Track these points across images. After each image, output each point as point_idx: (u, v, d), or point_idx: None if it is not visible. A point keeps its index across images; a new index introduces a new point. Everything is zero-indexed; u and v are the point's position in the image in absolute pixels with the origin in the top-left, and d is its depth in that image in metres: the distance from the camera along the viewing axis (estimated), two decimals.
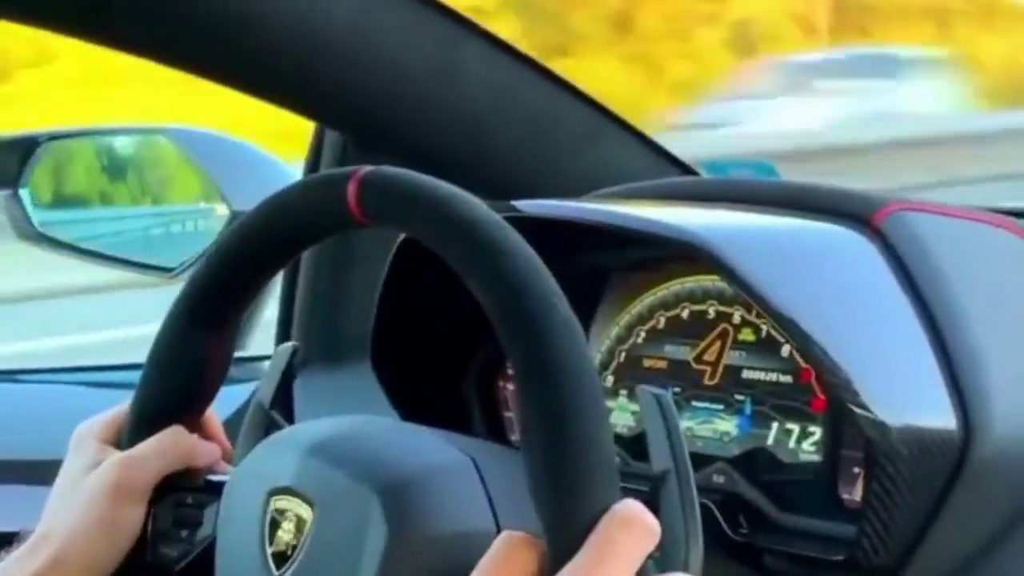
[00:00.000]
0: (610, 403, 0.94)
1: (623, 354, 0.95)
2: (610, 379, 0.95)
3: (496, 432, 0.99)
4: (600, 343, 0.96)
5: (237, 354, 1.28)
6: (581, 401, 0.63)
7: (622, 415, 0.93)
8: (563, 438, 0.62)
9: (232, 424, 0.87)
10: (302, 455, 0.73)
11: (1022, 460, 0.78)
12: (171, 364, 0.80)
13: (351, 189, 0.71)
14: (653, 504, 0.65)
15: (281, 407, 0.86)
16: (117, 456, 0.80)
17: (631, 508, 0.61)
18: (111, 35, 0.99)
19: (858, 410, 0.74)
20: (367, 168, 0.71)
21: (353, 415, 0.79)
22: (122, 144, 1.43)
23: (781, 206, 0.87)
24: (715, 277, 0.88)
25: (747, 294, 0.76)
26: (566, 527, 0.61)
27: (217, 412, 0.87)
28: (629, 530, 0.61)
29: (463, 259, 0.67)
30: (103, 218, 1.50)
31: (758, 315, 0.87)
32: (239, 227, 0.77)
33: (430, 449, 0.73)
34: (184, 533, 0.81)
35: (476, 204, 0.68)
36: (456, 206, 0.68)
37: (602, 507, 0.61)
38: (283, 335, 1.25)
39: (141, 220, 1.48)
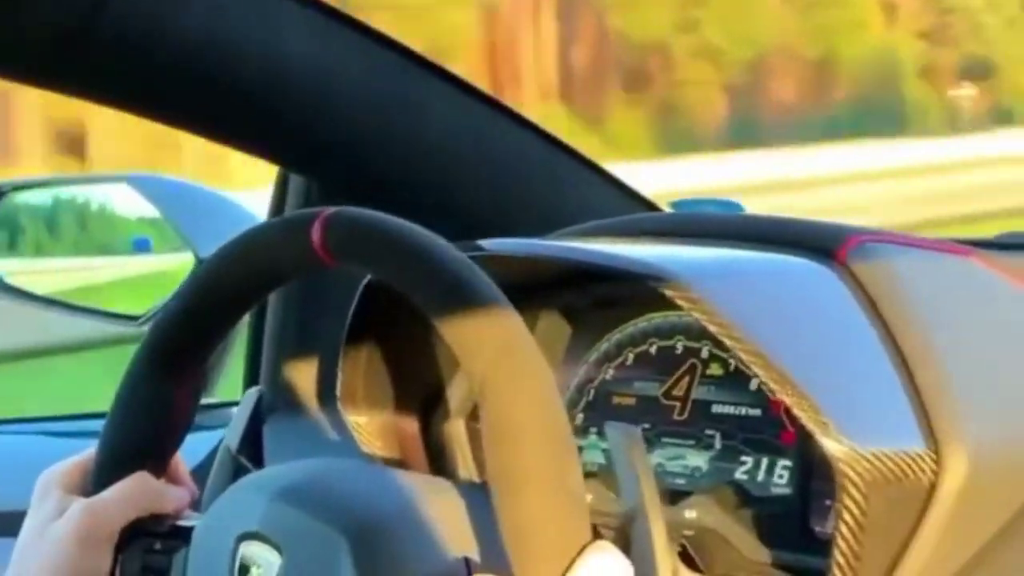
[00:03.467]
0: (580, 441, 0.94)
1: (592, 392, 0.95)
2: (580, 417, 0.95)
3: (467, 472, 0.98)
4: (569, 381, 0.96)
5: (205, 401, 1.28)
6: (550, 443, 0.63)
7: (592, 453, 0.93)
8: (533, 481, 0.62)
9: (201, 471, 0.87)
10: (270, 499, 0.73)
11: (992, 486, 0.78)
12: (136, 411, 0.80)
13: (315, 230, 0.71)
14: (624, 540, 0.65)
15: (250, 452, 0.86)
16: (83, 503, 0.79)
17: (603, 549, 0.62)
18: (73, 84, 0.98)
19: (827, 441, 0.74)
20: (331, 209, 0.71)
21: (322, 458, 0.78)
22: (86, 193, 1.43)
23: (747, 240, 0.87)
24: (682, 312, 0.88)
25: (715, 328, 0.77)
26: (539, 570, 0.61)
27: (186, 459, 0.87)
28: (601, 571, 0.61)
29: (426, 297, 0.67)
30: (67, 268, 1.49)
31: (726, 349, 0.87)
32: (202, 272, 0.77)
33: (398, 490, 0.73)
34: None
35: (439, 242, 0.68)
36: (419, 245, 0.68)
37: (574, 548, 0.61)
38: (250, 380, 1.24)
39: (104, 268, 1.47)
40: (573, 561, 0.61)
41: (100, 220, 1.40)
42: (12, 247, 1.39)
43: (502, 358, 0.64)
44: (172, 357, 0.79)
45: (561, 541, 0.61)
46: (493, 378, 0.64)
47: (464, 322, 0.65)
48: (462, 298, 0.66)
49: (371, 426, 0.98)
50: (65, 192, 1.41)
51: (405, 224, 0.69)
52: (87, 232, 1.43)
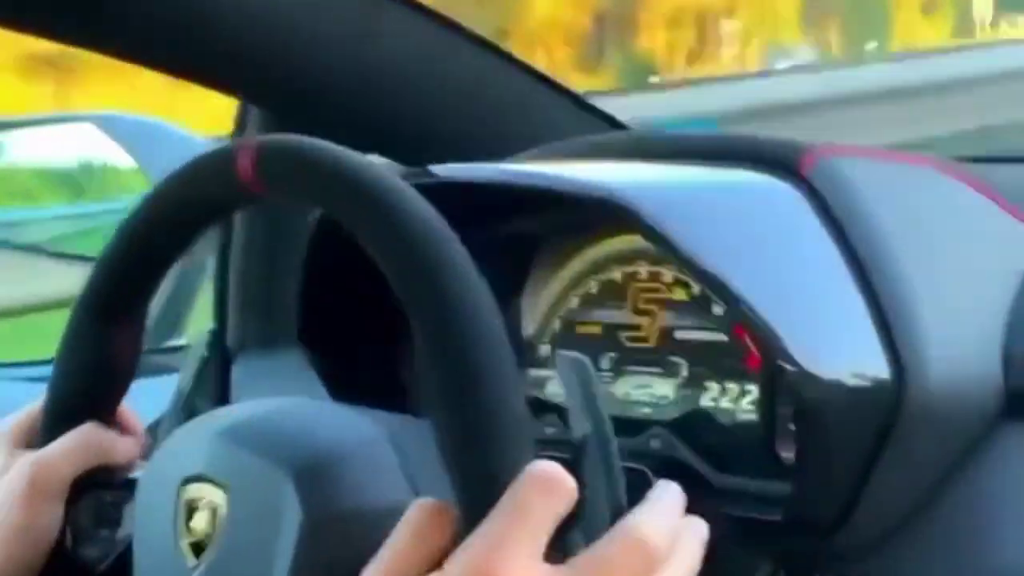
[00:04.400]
0: (547, 372, 0.92)
1: (558, 321, 0.92)
2: (546, 348, 0.92)
3: None
4: (534, 312, 0.93)
5: (175, 343, 1.26)
6: (487, 362, 0.60)
7: (557, 384, 0.91)
8: (470, 401, 0.60)
9: None
10: (213, 441, 0.71)
11: (955, 408, 0.75)
12: (78, 360, 0.78)
13: (244, 160, 0.68)
14: (576, 471, 0.63)
15: (216, 395, 0.84)
16: (30, 457, 0.78)
17: (543, 469, 0.59)
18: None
19: (788, 366, 0.71)
20: (260, 138, 0.68)
21: (268, 398, 0.76)
22: (50, 134, 1.40)
23: (707, 158, 0.84)
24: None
25: (670, 252, 0.74)
26: (477, 490, 0.59)
27: (154, 405, 0.85)
28: (541, 490, 0.59)
29: (358, 224, 0.64)
30: (40, 216, 1.47)
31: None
32: (134, 213, 0.74)
33: (345, 426, 0.71)
34: (104, 532, 0.78)
35: (370, 166, 0.65)
36: (350, 169, 0.65)
37: (515, 469, 0.59)
38: (219, 318, 1.22)
39: (78, 218, 1.45)
40: (511, 481, 0.58)
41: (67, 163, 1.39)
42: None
43: (437, 282, 0.61)
44: (109, 304, 0.77)
45: (499, 462, 0.59)
46: (427, 304, 0.61)
47: (398, 248, 0.62)
48: (395, 223, 0.63)
49: (334, 365, 0.96)
50: (29, 133, 1.39)
51: (336, 149, 0.66)
52: (54, 176, 1.42)
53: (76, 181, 1.38)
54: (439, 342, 0.61)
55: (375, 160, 0.86)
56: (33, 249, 1.41)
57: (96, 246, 1.31)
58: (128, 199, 1.28)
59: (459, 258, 0.62)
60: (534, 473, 0.59)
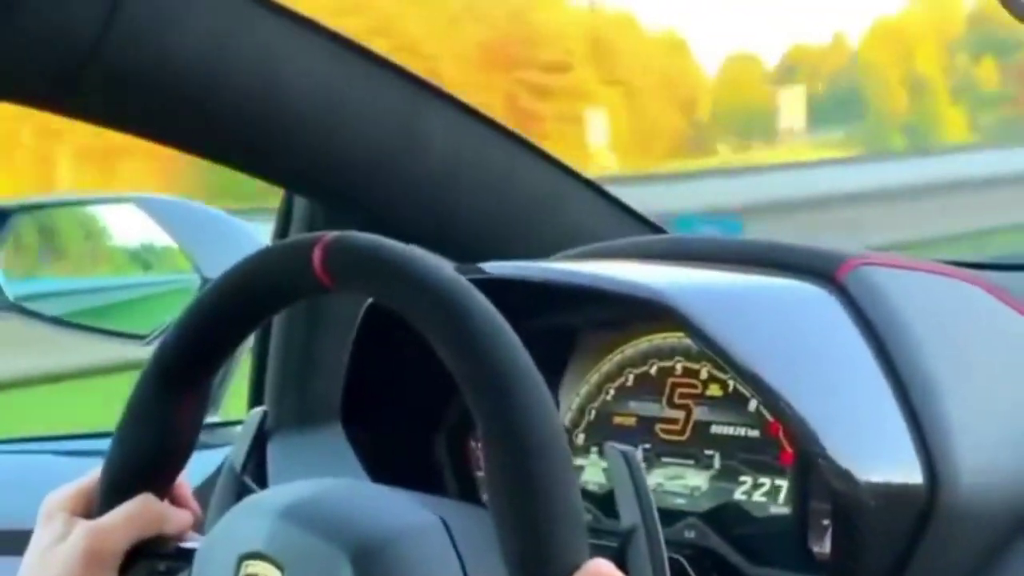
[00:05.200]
0: (581, 461, 0.95)
1: (593, 412, 0.96)
2: (581, 437, 0.96)
3: (468, 491, 0.99)
4: (570, 401, 0.96)
5: (210, 419, 1.28)
6: (548, 462, 0.64)
7: (593, 472, 0.94)
8: (531, 499, 0.63)
9: (205, 489, 0.87)
10: (272, 519, 0.73)
11: (987, 510, 0.78)
12: (140, 431, 0.81)
13: (317, 254, 0.71)
14: (622, 560, 0.66)
15: (253, 471, 0.86)
16: (86, 525, 0.80)
17: (599, 567, 0.62)
18: (83, 109, 0.99)
19: (824, 463, 0.74)
20: (333, 233, 0.72)
21: (325, 478, 0.79)
22: (92, 214, 1.43)
23: (745, 263, 0.88)
24: (681, 334, 0.89)
25: (711, 350, 0.77)
26: None
27: (190, 477, 0.87)
28: None
29: (428, 322, 0.68)
30: (78, 289, 1.50)
31: (724, 371, 0.87)
32: (207, 293, 0.77)
33: (400, 510, 0.73)
34: None
35: (440, 266, 0.69)
36: (420, 269, 0.69)
37: (571, 567, 0.62)
38: (255, 399, 1.25)
39: (116, 291, 1.48)
40: None
41: (107, 241, 1.42)
42: (19, 268, 1.41)
43: (501, 381, 0.65)
44: (176, 378, 0.80)
45: (557, 560, 0.62)
46: (492, 401, 0.64)
47: (463, 346, 0.66)
48: (462, 322, 0.66)
49: (373, 445, 0.99)
50: (73, 212, 1.42)
51: (405, 248, 0.70)
52: (93, 253, 1.45)
53: (143, 257, 1.42)
54: (502, 441, 0.64)
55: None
56: (59, 322, 1.43)
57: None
58: (182, 275, 1.32)
59: (526, 365, 0.65)
60: (589, 571, 0.62)
